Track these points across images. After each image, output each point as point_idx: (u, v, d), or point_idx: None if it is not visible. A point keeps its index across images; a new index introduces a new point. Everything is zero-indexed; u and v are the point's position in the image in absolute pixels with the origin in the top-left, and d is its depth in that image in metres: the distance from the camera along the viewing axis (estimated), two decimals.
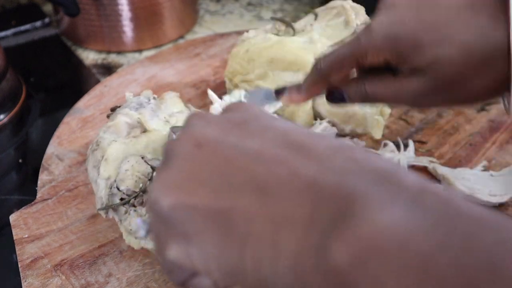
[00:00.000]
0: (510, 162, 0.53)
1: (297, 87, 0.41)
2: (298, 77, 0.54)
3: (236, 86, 0.59)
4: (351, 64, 0.37)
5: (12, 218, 0.47)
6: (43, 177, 0.52)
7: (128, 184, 0.40)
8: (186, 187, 0.22)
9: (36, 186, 0.51)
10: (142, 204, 0.39)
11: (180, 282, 0.24)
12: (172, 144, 0.24)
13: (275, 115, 0.48)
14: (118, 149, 0.42)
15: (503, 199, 0.47)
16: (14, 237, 0.45)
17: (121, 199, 0.40)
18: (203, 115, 0.25)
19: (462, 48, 0.32)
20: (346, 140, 0.50)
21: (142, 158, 0.41)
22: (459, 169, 0.50)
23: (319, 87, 0.39)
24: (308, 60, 0.54)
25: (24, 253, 0.44)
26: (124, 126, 0.44)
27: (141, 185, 0.40)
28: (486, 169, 0.51)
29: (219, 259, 0.21)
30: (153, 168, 0.41)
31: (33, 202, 0.49)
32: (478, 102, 0.39)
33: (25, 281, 0.42)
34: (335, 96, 0.39)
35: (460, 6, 0.33)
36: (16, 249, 0.44)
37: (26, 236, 0.45)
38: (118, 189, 0.40)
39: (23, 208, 0.48)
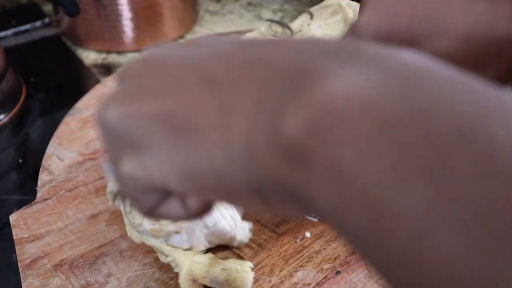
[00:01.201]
0: None
1: None
2: None
3: None
4: None
5: (12, 218, 0.47)
6: (43, 177, 0.52)
7: None
8: (131, 98, 0.20)
9: (36, 186, 0.51)
10: None
11: (148, 209, 0.22)
12: (122, 69, 0.23)
13: None
14: None
15: None
16: (14, 237, 0.45)
17: None
18: (161, 44, 0.24)
19: (461, 39, 0.30)
20: None
21: None
22: None
23: None
24: None
25: (24, 253, 0.44)
26: None
27: None
28: None
29: (174, 163, 0.19)
30: None
31: (33, 202, 0.49)
32: None
33: (25, 281, 0.42)
34: None
35: None
36: (16, 249, 0.44)
37: (26, 236, 0.45)
38: None
39: (23, 208, 0.48)
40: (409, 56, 0.16)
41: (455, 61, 0.32)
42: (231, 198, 0.20)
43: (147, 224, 0.39)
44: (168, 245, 0.39)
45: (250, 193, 0.18)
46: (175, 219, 0.23)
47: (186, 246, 0.40)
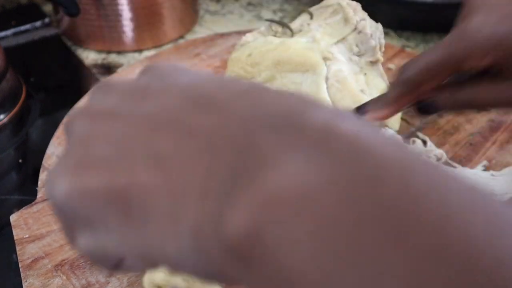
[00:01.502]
0: (511, 161, 0.53)
1: (381, 101, 0.37)
2: (307, 78, 0.54)
3: None
4: (447, 71, 0.34)
5: (13, 218, 0.47)
6: (43, 177, 0.52)
7: None
8: (80, 170, 0.19)
9: (37, 186, 0.51)
10: None
11: (109, 271, 0.22)
12: (68, 121, 0.22)
13: None
14: None
15: (504, 198, 0.47)
16: (15, 237, 0.45)
17: None
18: (106, 84, 0.22)
19: None
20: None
21: None
22: (460, 168, 0.50)
23: (408, 99, 0.36)
24: (316, 59, 0.54)
25: (25, 253, 0.44)
26: None
27: None
28: (486, 169, 0.52)
29: (127, 243, 0.19)
30: None
31: (33, 202, 0.49)
32: None
33: (26, 281, 0.42)
34: (426, 107, 0.36)
35: None
36: (17, 249, 0.44)
37: (27, 236, 0.45)
38: None
39: (23, 208, 0.48)
40: (352, 134, 0.16)
41: None
42: (188, 276, 0.20)
43: None
44: None
45: (203, 276, 0.18)
46: (140, 270, 0.23)
47: None
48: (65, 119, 0.23)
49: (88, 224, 0.20)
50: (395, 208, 0.14)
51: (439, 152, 0.52)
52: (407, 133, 0.57)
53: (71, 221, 0.21)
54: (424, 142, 0.54)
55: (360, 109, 0.39)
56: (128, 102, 0.20)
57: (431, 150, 0.52)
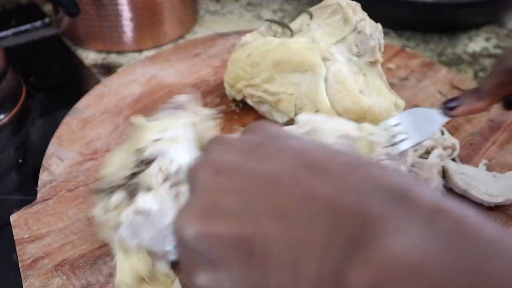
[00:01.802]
0: (511, 161, 0.53)
1: (475, 94, 0.37)
2: (306, 78, 0.54)
3: (239, 92, 0.59)
4: None
5: (13, 218, 0.47)
6: (43, 177, 0.52)
7: (115, 175, 0.41)
8: (208, 216, 0.22)
9: (36, 186, 0.51)
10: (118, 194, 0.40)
11: None
12: (192, 171, 0.25)
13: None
14: (115, 152, 0.42)
15: (498, 199, 0.47)
16: (15, 237, 0.45)
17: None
18: (223, 140, 0.26)
19: None
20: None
21: (131, 150, 0.41)
22: (462, 165, 0.50)
23: (507, 89, 0.35)
24: (315, 60, 0.54)
25: (25, 253, 0.44)
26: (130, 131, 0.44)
27: (123, 173, 0.40)
28: (488, 169, 0.52)
29: (245, 285, 0.22)
30: (140, 156, 0.40)
31: (33, 202, 0.49)
32: None
33: (26, 281, 0.42)
34: None
35: None
36: (17, 249, 0.44)
37: (27, 236, 0.45)
38: (108, 181, 0.41)
39: (23, 208, 0.48)
40: (458, 214, 0.18)
41: None
42: None
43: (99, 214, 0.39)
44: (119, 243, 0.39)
45: None
46: None
47: (133, 243, 0.39)
48: (187, 169, 0.26)
49: (211, 265, 0.22)
50: (503, 282, 0.16)
51: (455, 141, 0.52)
52: None
53: (195, 260, 0.23)
54: (442, 133, 0.53)
55: (450, 103, 0.38)
56: (248, 160, 0.24)
57: (448, 139, 0.52)
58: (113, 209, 0.38)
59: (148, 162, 0.39)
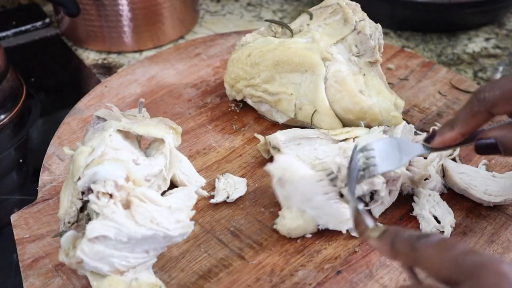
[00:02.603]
0: (509, 161, 0.53)
1: (451, 123, 0.37)
2: (306, 78, 0.55)
3: (239, 92, 0.59)
4: None
5: (13, 218, 0.47)
6: (44, 177, 0.52)
7: (68, 213, 0.41)
8: None
9: (37, 186, 0.51)
10: (77, 227, 0.40)
11: None
12: None
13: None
14: (64, 188, 0.42)
15: (497, 199, 0.47)
16: (15, 237, 0.45)
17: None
18: None
19: None
20: None
21: (73, 182, 0.41)
22: (462, 165, 0.51)
23: (479, 120, 0.36)
24: (315, 60, 0.54)
25: (25, 253, 0.44)
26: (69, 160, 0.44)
27: (74, 209, 0.41)
28: (487, 169, 0.52)
29: None
30: (82, 187, 0.40)
31: (34, 202, 0.49)
32: None
33: (26, 281, 0.42)
34: (486, 145, 0.36)
35: None
36: (17, 249, 0.44)
37: (27, 236, 0.45)
38: (65, 222, 0.41)
39: (24, 208, 0.48)
40: None
41: None
42: None
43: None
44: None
45: None
46: None
47: (105, 268, 0.38)
48: None
49: None
50: None
51: None
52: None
53: None
54: None
55: (428, 139, 0.39)
56: None
57: None
58: (73, 249, 0.38)
59: (89, 189, 0.39)
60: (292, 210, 0.45)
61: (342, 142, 0.50)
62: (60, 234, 0.41)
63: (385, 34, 0.58)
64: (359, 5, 0.57)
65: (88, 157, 0.40)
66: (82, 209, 0.41)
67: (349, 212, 0.44)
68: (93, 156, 0.40)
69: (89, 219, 0.39)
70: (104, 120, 0.45)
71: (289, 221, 0.44)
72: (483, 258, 0.25)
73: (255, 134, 0.55)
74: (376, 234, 0.32)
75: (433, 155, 0.49)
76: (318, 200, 0.44)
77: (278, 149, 0.50)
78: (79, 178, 0.40)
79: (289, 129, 0.52)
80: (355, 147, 0.41)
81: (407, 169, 0.47)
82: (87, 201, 0.39)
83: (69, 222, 0.41)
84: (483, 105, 0.35)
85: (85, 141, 0.43)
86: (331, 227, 0.45)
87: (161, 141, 0.45)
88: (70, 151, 0.42)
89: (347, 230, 0.45)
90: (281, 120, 0.57)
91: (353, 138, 0.51)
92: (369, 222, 0.34)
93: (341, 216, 0.44)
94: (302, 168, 0.44)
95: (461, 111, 0.37)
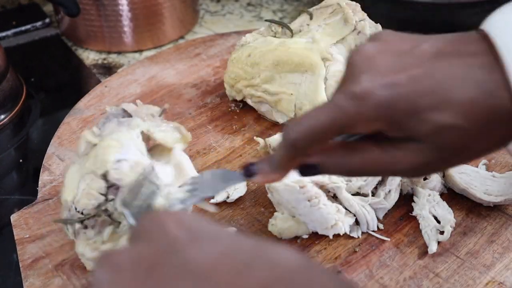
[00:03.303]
0: (510, 161, 0.53)
1: (268, 163, 0.35)
2: (306, 78, 0.55)
3: (239, 92, 0.59)
4: (333, 135, 0.32)
5: (13, 218, 0.47)
6: (44, 177, 0.52)
7: (83, 203, 0.39)
8: None
9: (37, 186, 0.51)
10: (93, 226, 0.39)
11: None
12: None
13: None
14: (74, 171, 0.41)
15: (497, 199, 0.47)
16: (15, 237, 0.45)
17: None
18: (111, 261, 0.24)
19: (464, 110, 0.29)
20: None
21: (95, 174, 0.39)
22: (463, 164, 0.51)
23: (296, 163, 0.34)
24: (315, 60, 0.54)
25: (25, 253, 0.44)
26: (83, 145, 0.42)
27: (93, 202, 0.39)
28: (487, 169, 0.52)
29: None
30: (107, 182, 0.39)
31: (34, 202, 0.49)
32: (480, 157, 0.36)
33: (26, 281, 0.42)
34: (309, 170, 0.34)
35: (443, 55, 0.29)
36: (17, 249, 0.44)
37: (27, 236, 0.45)
38: (76, 209, 0.40)
39: (24, 208, 0.48)
40: None
41: (460, 133, 0.29)
42: None
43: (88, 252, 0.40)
44: None
45: None
46: None
47: None
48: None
49: None
50: None
51: None
52: None
53: None
54: None
55: (248, 170, 0.36)
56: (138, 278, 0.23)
57: None
58: (107, 243, 0.38)
59: (116, 188, 0.38)
60: (284, 213, 0.45)
61: None
62: (67, 222, 0.40)
63: None
64: (359, 5, 0.57)
65: (117, 154, 0.39)
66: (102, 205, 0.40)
67: (329, 219, 0.44)
68: (123, 156, 0.39)
69: (109, 215, 0.39)
70: (130, 115, 0.44)
71: (280, 222, 0.45)
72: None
73: (255, 137, 0.54)
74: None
75: None
76: (301, 207, 0.44)
77: None
78: (106, 173, 0.39)
79: None
80: (148, 169, 0.40)
81: None
82: (109, 199, 0.39)
83: (82, 213, 0.39)
84: (295, 150, 0.33)
85: (108, 132, 0.41)
86: (319, 232, 0.45)
87: (168, 148, 0.43)
88: (93, 138, 0.41)
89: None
90: (281, 120, 0.57)
91: None
92: (132, 221, 0.35)
93: (326, 222, 0.44)
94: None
95: (278, 153, 0.34)
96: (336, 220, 0.44)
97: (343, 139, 0.34)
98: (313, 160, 0.34)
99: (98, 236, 0.39)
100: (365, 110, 0.30)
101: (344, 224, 0.44)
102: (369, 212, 0.46)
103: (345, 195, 0.45)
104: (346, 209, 0.46)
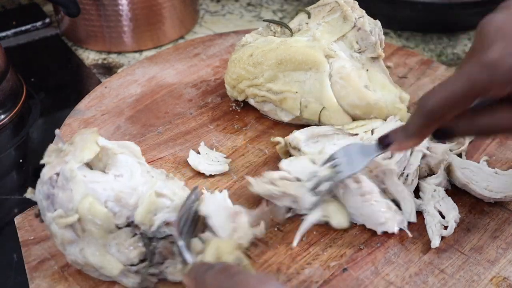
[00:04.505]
0: (510, 158, 0.53)
1: (403, 132, 0.38)
2: (310, 76, 0.55)
3: (241, 92, 0.59)
4: (469, 101, 0.34)
5: (17, 220, 0.47)
6: None
7: (132, 259, 0.41)
8: None
9: None
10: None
11: None
12: None
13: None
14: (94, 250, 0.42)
15: (498, 195, 0.47)
16: (20, 239, 0.45)
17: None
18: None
19: None
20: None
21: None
22: (466, 160, 0.51)
23: (431, 130, 0.36)
24: (319, 57, 0.54)
25: (31, 254, 0.44)
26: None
27: (138, 252, 0.40)
28: (489, 165, 0.52)
29: None
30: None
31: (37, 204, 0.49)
32: None
33: (33, 282, 0.41)
34: (444, 133, 0.37)
35: None
36: (23, 251, 0.44)
37: (32, 237, 0.45)
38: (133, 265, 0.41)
39: (27, 210, 0.48)
40: None
41: None
42: None
43: None
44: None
45: None
46: None
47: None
48: None
49: None
50: None
51: None
52: None
53: None
54: None
55: (383, 141, 0.40)
56: None
57: None
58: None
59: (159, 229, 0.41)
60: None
61: (363, 133, 0.52)
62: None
63: (385, 34, 0.58)
64: (357, 3, 0.57)
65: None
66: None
67: (380, 216, 0.45)
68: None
69: (156, 254, 0.41)
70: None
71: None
72: (242, 276, 0.31)
73: (272, 138, 0.53)
74: (185, 270, 0.36)
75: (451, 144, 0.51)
76: (353, 201, 0.45)
77: (298, 149, 0.51)
78: (146, 227, 0.40)
79: (306, 128, 0.53)
80: (189, 196, 0.42)
81: (423, 155, 0.48)
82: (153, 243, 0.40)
83: (133, 265, 0.40)
84: (432, 118, 0.35)
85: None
86: (367, 226, 0.46)
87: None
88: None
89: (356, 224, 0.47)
90: (286, 118, 0.57)
91: (371, 131, 0.52)
92: (189, 258, 0.38)
93: (376, 219, 0.45)
94: None
95: (412, 120, 0.37)
96: (386, 218, 0.45)
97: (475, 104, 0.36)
98: (446, 125, 0.36)
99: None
100: (498, 77, 0.32)
101: (394, 223, 0.45)
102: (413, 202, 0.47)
103: (395, 180, 0.46)
104: (393, 201, 0.46)
